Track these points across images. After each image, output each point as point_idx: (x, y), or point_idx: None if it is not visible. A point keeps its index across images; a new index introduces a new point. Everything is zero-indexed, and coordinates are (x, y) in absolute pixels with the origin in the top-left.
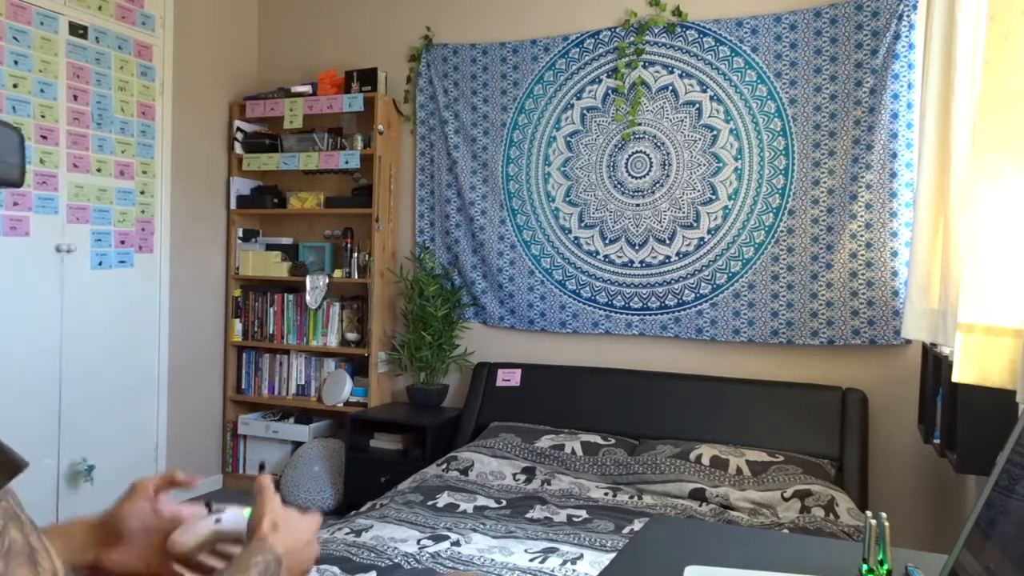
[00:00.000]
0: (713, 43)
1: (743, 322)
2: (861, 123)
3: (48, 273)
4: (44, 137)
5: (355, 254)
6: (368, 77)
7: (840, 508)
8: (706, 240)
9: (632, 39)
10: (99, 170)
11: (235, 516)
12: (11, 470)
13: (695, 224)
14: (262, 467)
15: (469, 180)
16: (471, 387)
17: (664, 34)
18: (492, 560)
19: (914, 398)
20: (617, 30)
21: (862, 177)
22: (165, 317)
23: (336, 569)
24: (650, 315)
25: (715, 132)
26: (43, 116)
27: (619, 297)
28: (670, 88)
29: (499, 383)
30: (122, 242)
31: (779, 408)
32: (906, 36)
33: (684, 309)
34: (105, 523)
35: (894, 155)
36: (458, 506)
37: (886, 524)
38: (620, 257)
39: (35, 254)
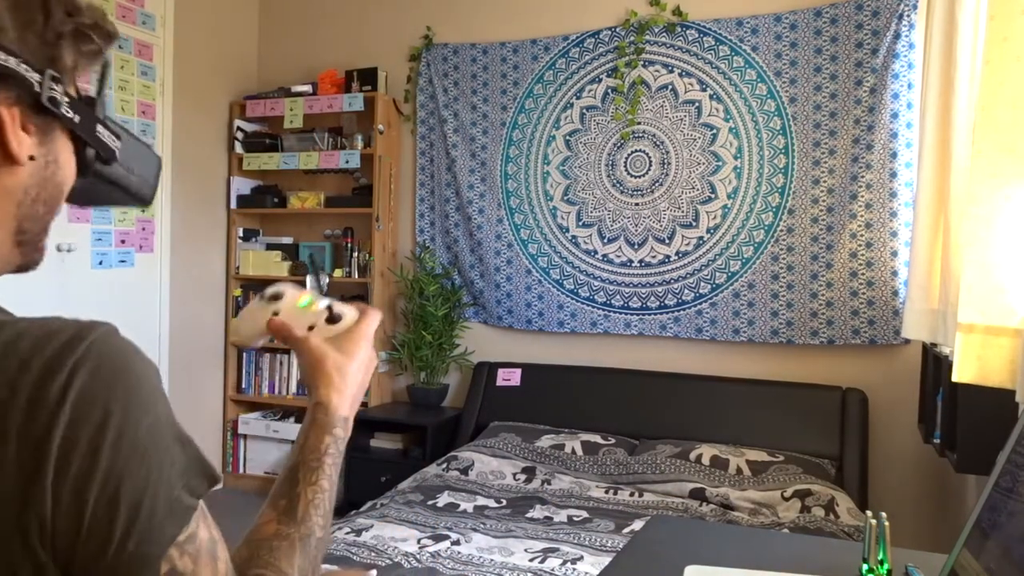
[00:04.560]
0: (713, 42)
1: (743, 322)
2: (861, 122)
3: (48, 273)
4: None
5: (355, 254)
6: (368, 77)
7: (840, 508)
8: (705, 239)
9: (632, 39)
10: None
11: (292, 310)
12: (212, 481)
13: (694, 223)
14: (312, 258)
15: (467, 179)
16: (471, 387)
17: (664, 33)
18: (492, 560)
19: (914, 398)
20: (617, 30)
21: (862, 176)
22: (165, 317)
23: (336, 568)
24: (649, 315)
25: (714, 131)
26: None
27: (618, 296)
28: (670, 87)
29: (499, 383)
30: (122, 241)
31: (779, 408)
32: (906, 36)
33: (683, 309)
34: None
35: (894, 154)
36: (458, 506)
37: (886, 524)
38: (619, 256)
39: None
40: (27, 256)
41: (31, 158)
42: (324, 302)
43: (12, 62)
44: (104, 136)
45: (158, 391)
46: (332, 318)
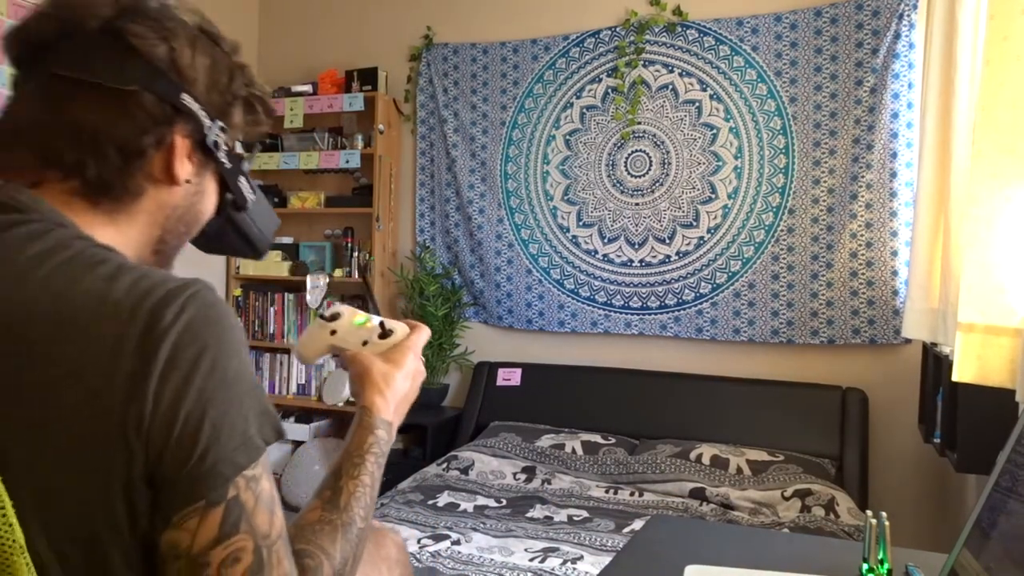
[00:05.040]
0: (713, 42)
1: (743, 321)
2: (861, 122)
3: None
4: None
5: (355, 253)
6: (368, 76)
7: (840, 507)
8: (706, 239)
9: (632, 38)
10: None
11: (348, 328)
12: (278, 434)
13: (695, 223)
14: (363, 270)
15: (467, 179)
16: (471, 387)
17: (664, 33)
18: (492, 559)
19: (914, 397)
20: (617, 29)
21: (862, 176)
22: None
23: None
24: (650, 314)
25: (715, 131)
26: None
27: (618, 296)
28: (670, 87)
29: (499, 383)
30: None
31: (779, 408)
32: (906, 35)
33: (684, 308)
34: None
35: (894, 154)
36: (458, 505)
37: (886, 523)
38: (619, 256)
39: None
40: (158, 266)
41: (187, 181)
42: (377, 319)
43: (195, 106)
44: (243, 187)
45: (244, 344)
46: (384, 333)
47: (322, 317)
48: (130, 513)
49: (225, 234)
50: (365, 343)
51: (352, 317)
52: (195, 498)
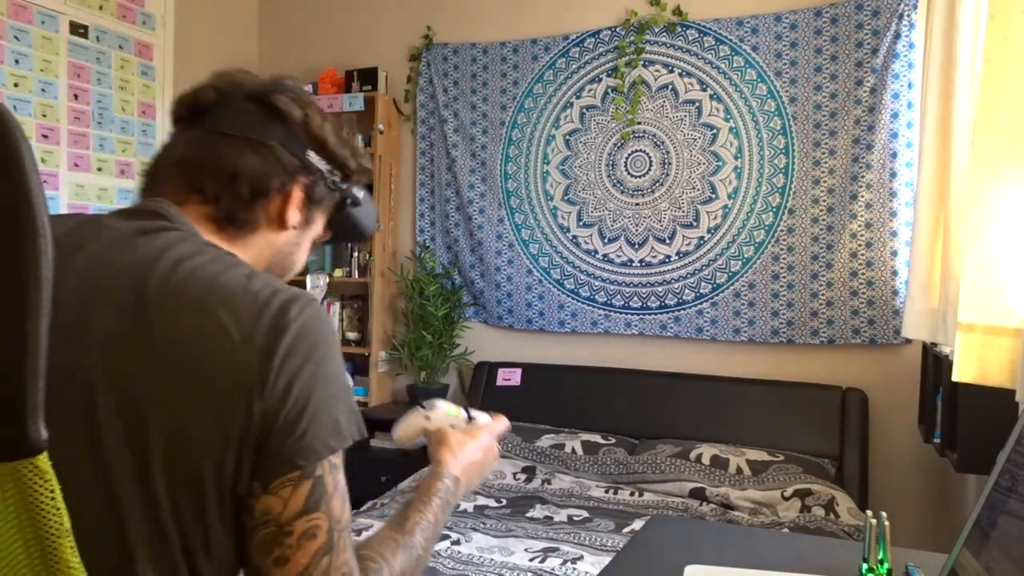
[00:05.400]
0: (713, 42)
1: (743, 321)
2: (861, 122)
3: None
4: (45, 136)
5: (355, 253)
6: (369, 76)
7: (840, 507)
8: (706, 239)
9: (632, 38)
10: (100, 169)
11: (440, 415)
12: (360, 433)
13: (695, 223)
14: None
15: (467, 179)
16: (471, 387)
17: (664, 33)
18: (492, 559)
19: (914, 397)
20: (617, 29)
21: (862, 176)
22: None
23: None
24: (650, 314)
25: (715, 131)
26: (44, 115)
27: (618, 296)
28: (670, 87)
29: (499, 383)
30: None
31: (779, 408)
32: (906, 35)
33: (684, 308)
34: None
35: (894, 154)
36: (458, 505)
37: (886, 523)
38: (619, 256)
39: None
40: None
41: (293, 227)
42: (465, 412)
43: (316, 159)
44: (356, 191)
45: (340, 351)
46: (469, 419)
47: (421, 407)
48: (236, 470)
49: (345, 224)
50: (452, 427)
51: (446, 408)
52: (293, 468)
